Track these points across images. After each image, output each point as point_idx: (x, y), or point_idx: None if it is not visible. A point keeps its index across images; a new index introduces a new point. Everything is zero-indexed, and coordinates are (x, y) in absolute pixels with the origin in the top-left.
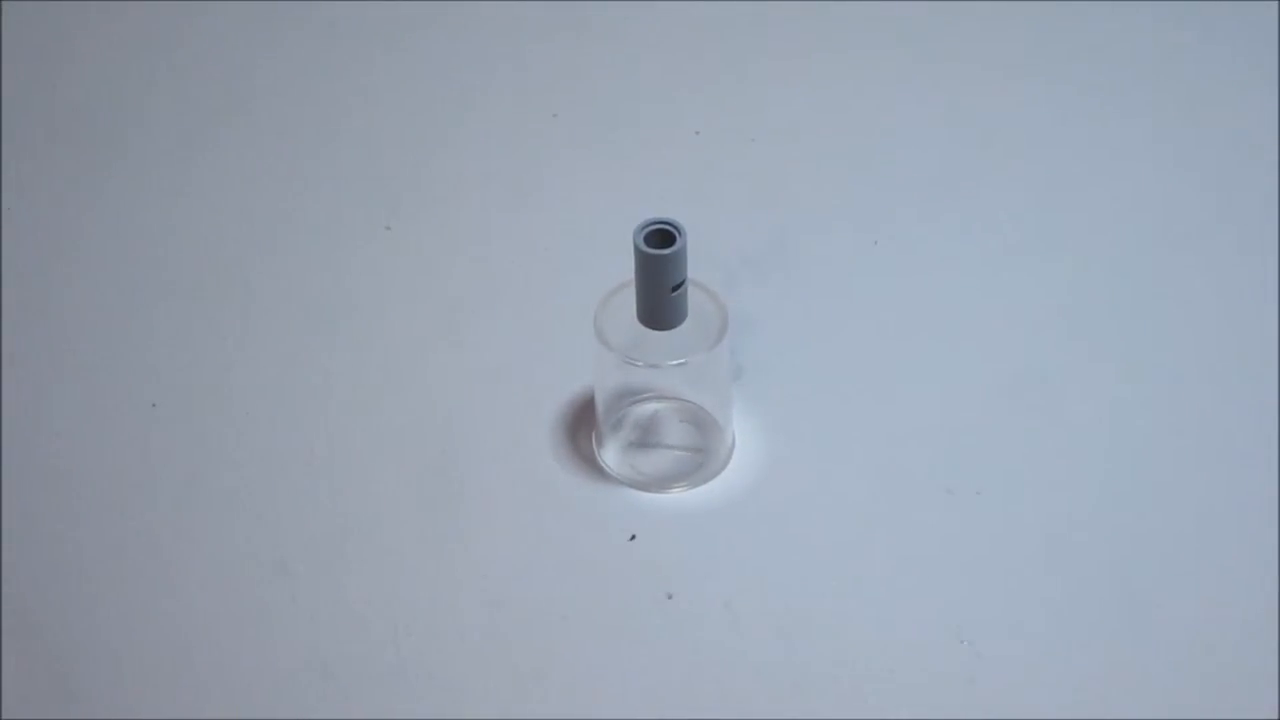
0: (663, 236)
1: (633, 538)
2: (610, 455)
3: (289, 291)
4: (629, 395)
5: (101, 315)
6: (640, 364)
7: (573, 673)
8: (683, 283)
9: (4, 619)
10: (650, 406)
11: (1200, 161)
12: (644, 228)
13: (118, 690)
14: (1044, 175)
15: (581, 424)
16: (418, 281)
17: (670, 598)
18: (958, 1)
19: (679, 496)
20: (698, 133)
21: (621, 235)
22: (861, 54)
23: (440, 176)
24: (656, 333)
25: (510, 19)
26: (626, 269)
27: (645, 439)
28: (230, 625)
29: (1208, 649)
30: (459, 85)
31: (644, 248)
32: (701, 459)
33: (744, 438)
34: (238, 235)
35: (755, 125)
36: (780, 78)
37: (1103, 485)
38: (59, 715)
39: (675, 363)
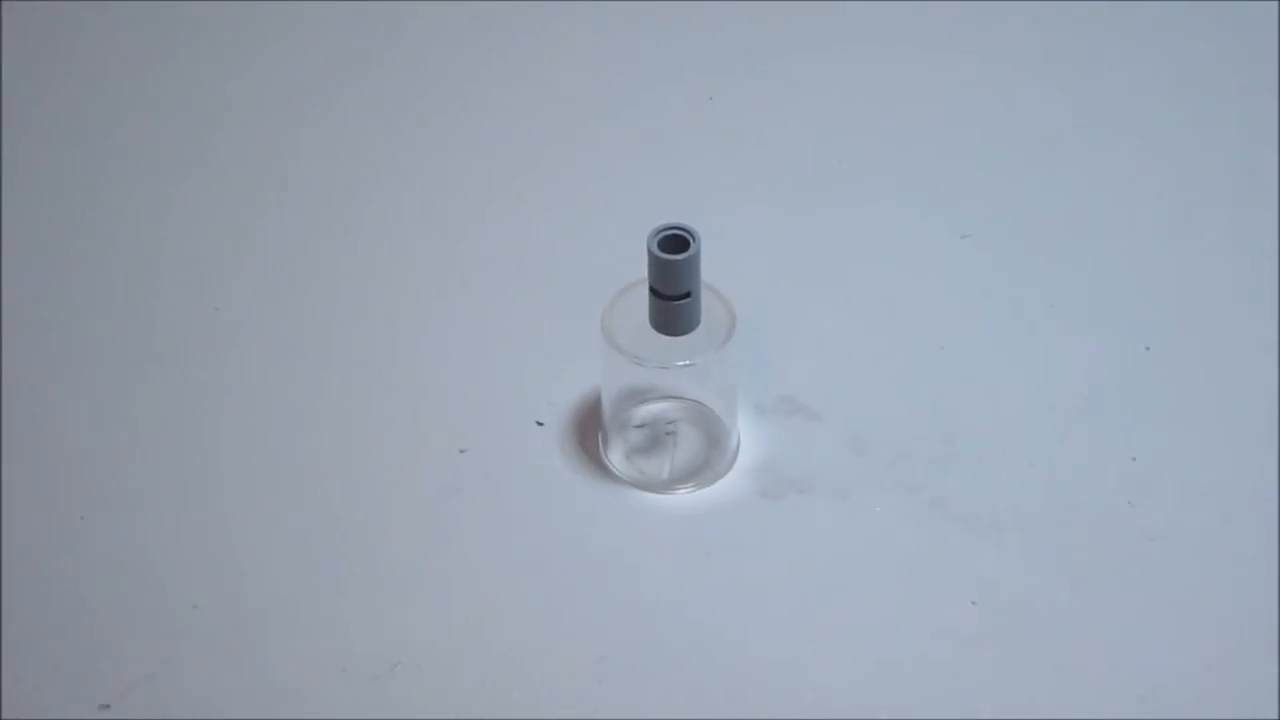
0: (677, 242)
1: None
2: (616, 456)
3: (292, 290)
4: (636, 396)
5: (97, 314)
6: (648, 365)
7: (576, 674)
8: (696, 289)
9: (4, 619)
10: (657, 407)
11: (1201, 161)
12: (658, 233)
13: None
14: (1051, 177)
15: (588, 424)
16: (425, 279)
17: None
18: (964, 1)
19: (685, 497)
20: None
21: (630, 235)
22: (870, 55)
23: (451, 173)
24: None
25: (525, 13)
26: (634, 269)
27: (651, 440)
28: (228, 629)
29: (1208, 649)
30: (469, 80)
31: (658, 253)
32: (707, 460)
33: (750, 439)
34: (236, 234)
35: (767, 126)
36: (794, 78)
37: (1104, 486)
38: (60, 715)
39: (683, 363)
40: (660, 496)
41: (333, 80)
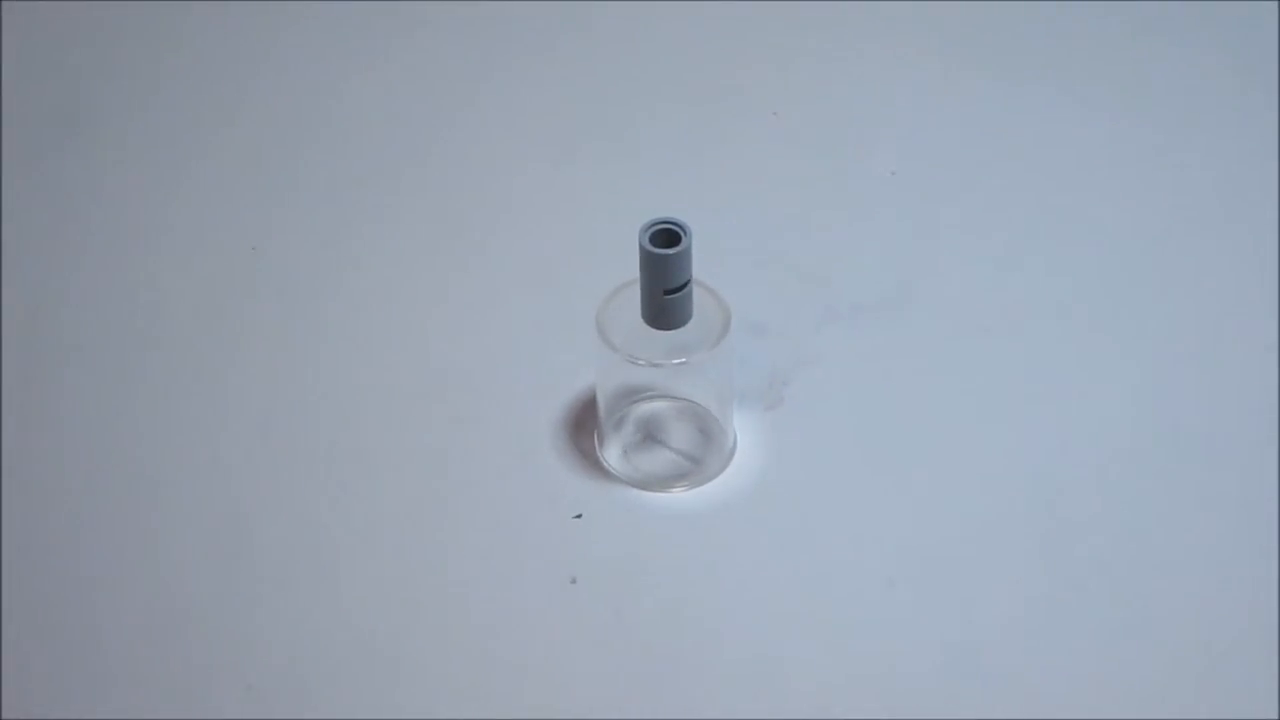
0: (668, 236)
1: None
2: (612, 454)
3: (287, 290)
4: (631, 394)
5: (98, 316)
6: (642, 363)
7: (571, 672)
8: (687, 283)
9: (4, 620)
10: (652, 405)
11: (1201, 161)
12: (649, 227)
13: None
14: (1050, 177)
15: (583, 423)
16: (419, 278)
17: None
18: (962, 1)
19: (680, 496)
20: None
21: (625, 234)
22: (870, 53)
23: (443, 173)
24: (659, 331)
25: (523, 12)
26: (629, 268)
27: (647, 438)
28: (222, 624)
29: (1208, 649)
30: (462, 81)
31: (649, 247)
32: (703, 459)
33: (745, 437)
34: (234, 235)
35: (760, 123)
36: (790, 76)
37: (1106, 488)
38: (59, 715)
39: (677, 361)
40: (656, 495)
41: (328, 79)
